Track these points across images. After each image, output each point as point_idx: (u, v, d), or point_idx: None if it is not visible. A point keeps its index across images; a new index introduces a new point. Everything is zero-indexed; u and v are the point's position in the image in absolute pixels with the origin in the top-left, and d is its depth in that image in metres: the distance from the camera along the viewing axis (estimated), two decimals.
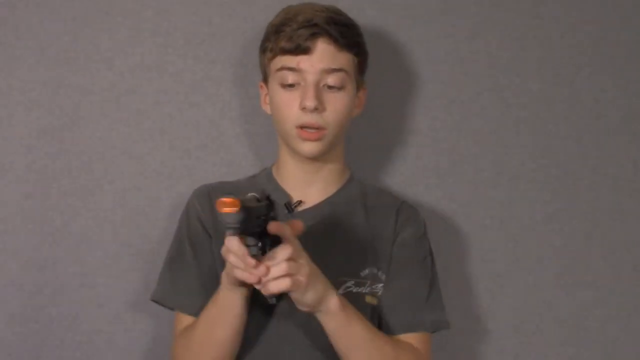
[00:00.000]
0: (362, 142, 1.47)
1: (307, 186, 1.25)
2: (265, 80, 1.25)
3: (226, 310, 1.11)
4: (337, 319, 1.10)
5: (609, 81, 1.51)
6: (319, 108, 1.16)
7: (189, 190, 1.31)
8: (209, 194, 1.26)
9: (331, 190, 1.26)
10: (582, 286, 1.50)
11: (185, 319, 1.21)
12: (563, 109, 1.50)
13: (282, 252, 1.02)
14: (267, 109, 1.27)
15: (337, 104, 1.19)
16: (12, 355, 1.39)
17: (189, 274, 1.22)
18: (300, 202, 1.23)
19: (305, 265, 1.05)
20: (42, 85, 1.41)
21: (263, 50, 1.24)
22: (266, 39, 1.23)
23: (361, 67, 1.24)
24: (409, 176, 1.47)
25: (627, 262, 1.51)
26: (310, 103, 1.15)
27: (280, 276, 1.02)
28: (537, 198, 1.50)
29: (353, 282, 1.20)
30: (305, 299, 1.06)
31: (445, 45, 1.48)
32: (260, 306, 1.15)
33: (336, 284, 1.16)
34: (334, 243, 1.22)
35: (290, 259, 1.02)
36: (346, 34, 1.19)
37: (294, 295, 1.06)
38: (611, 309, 1.50)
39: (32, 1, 1.41)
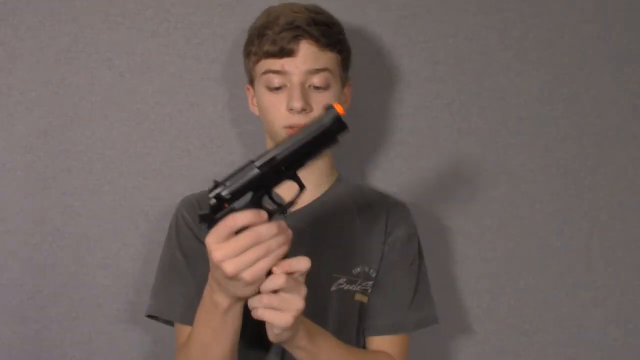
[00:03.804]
0: (362, 143, 1.47)
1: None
2: (251, 82, 1.26)
3: (223, 331, 1.05)
4: (305, 351, 1.07)
5: (609, 81, 1.51)
6: (306, 109, 1.17)
7: (189, 190, 1.31)
8: (198, 203, 1.25)
9: (321, 190, 1.27)
10: (582, 286, 1.50)
11: (186, 330, 1.18)
12: (563, 109, 1.50)
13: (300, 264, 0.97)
14: (254, 110, 1.28)
15: (323, 104, 1.19)
16: (12, 355, 1.39)
17: (184, 283, 1.20)
18: (292, 203, 1.22)
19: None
20: (42, 85, 1.41)
21: (247, 53, 1.24)
22: (249, 42, 1.24)
23: (345, 64, 1.25)
24: (409, 176, 1.47)
25: (627, 262, 1.51)
26: (297, 104, 1.16)
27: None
28: (537, 198, 1.50)
29: (345, 279, 1.21)
30: (281, 336, 1.01)
31: (445, 45, 1.48)
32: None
33: (329, 281, 1.19)
34: (327, 241, 1.22)
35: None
36: (328, 33, 1.20)
37: (270, 326, 1.00)
38: (611, 309, 1.50)
39: (32, 1, 1.41)
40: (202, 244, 1.19)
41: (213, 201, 0.96)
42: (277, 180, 0.98)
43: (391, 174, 1.47)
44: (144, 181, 1.43)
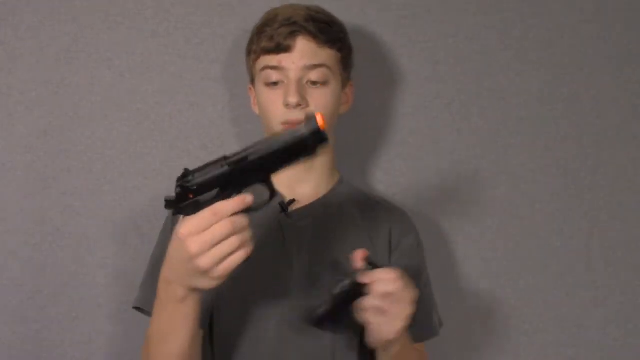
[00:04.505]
0: (362, 143, 1.47)
1: (298, 185, 1.24)
2: (253, 82, 1.26)
3: (180, 320, 1.01)
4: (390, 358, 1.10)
5: (609, 81, 1.51)
6: (302, 104, 1.17)
7: None
8: None
9: (323, 190, 1.26)
10: (582, 286, 1.50)
11: None
12: (563, 109, 1.50)
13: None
14: (256, 110, 1.28)
15: (320, 100, 1.19)
16: (12, 355, 1.39)
17: None
18: (293, 201, 1.22)
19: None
20: (42, 85, 1.41)
21: (248, 52, 1.25)
22: (250, 41, 1.25)
23: (345, 62, 1.24)
24: (409, 176, 1.47)
25: (627, 262, 1.51)
26: (293, 99, 1.16)
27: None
28: (537, 198, 1.50)
29: (349, 281, 1.20)
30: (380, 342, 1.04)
31: (445, 45, 1.48)
32: (259, 312, 1.15)
33: (333, 283, 1.18)
34: (330, 242, 1.22)
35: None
36: (326, 30, 1.20)
37: (373, 331, 1.03)
38: (611, 309, 1.50)
39: (32, 1, 1.41)
40: None
41: (178, 190, 0.94)
42: (247, 182, 0.95)
43: (391, 174, 1.47)
44: (144, 181, 1.43)
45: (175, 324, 1.02)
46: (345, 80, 1.26)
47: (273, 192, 0.96)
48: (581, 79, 1.51)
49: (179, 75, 1.43)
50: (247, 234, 0.92)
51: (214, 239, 0.90)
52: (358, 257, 1.03)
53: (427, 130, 1.48)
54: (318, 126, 0.92)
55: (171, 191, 1.38)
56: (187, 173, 0.95)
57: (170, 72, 1.43)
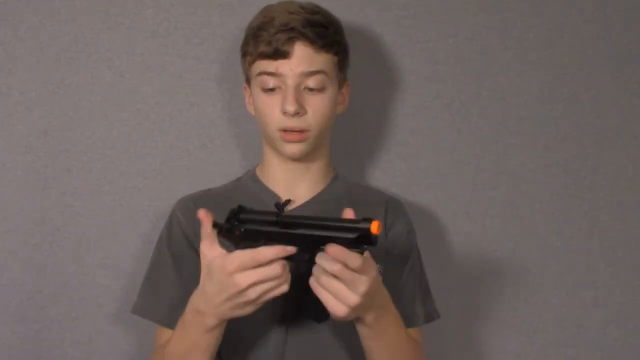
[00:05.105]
0: (362, 142, 1.47)
1: (295, 185, 1.25)
2: (248, 82, 1.26)
3: (204, 345, 1.08)
4: (369, 327, 1.09)
5: (609, 81, 1.51)
6: (300, 112, 1.17)
7: (189, 190, 1.31)
8: (194, 205, 1.24)
9: (318, 188, 1.27)
10: (582, 286, 1.50)
11: (166, 333, 1.18)
12: (563, 109, 1.50)
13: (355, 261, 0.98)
14: (251, 110, 1.28)
15: (318, 106, 1.19)
16: (12, 355, 1.39)
17: (170, 286, 1.21)
18: (289, 201, 1.23)
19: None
20: (42, 85, 1.41)
21: (243, 53, 1.24)
22: (245, 42, 1.23)
23: (341, 64, 1.24)
24: (409, 176, 1.47)
25: (627, 262, 1.51)
26: (291, 107, 1.16)
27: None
28: (537, 198, 1.50)
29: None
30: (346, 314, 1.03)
31: (445, 45, 1.48)
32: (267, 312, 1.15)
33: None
34: None
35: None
36: (323, 34, 1.19)
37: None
38: (611, 309, 1.50)
39: (32, 1, 1.41)
40: (193, 249, 1.20)
41: (227, 226, 1.03)
42: (289, 243, 1.00)
43: (391, 174, 1.47)
44: (144, 181, 1.43)
45: (198, 348, 1.08)
46: (342, 81, 1.25)
47: (312, 258, 1.01)
48: (581, 79, 1.51)
49: (179, 75, 1.43)
50: (288, 273, 1.00)
51: (265, 277, 0.97)
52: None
53: (427, 130, 1.48)
54: (371, 235, 0.97)
55: (171, 191, 1.40)
56: (241, 210, 1.03)
57: (170, 72, 1.43)
